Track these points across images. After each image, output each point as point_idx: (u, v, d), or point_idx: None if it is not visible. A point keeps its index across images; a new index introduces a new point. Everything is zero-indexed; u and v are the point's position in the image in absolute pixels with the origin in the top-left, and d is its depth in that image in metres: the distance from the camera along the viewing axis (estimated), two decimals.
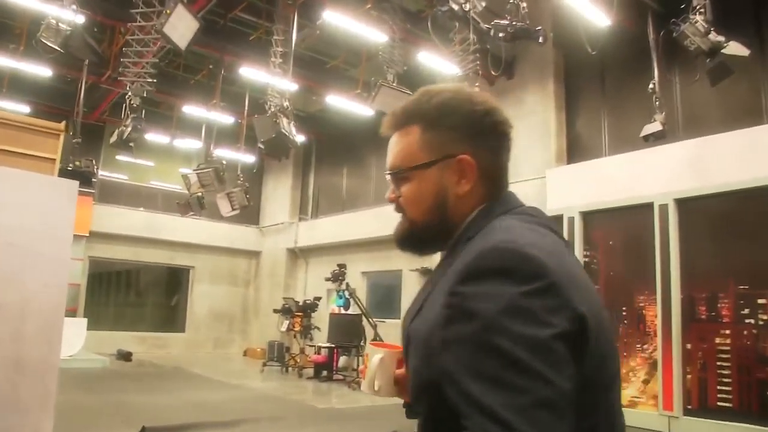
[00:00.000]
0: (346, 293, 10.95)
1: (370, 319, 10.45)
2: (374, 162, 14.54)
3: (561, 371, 0.83)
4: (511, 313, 0.85)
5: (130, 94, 7.28)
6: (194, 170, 9.75)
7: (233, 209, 10.51)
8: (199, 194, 11.37)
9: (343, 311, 13.53)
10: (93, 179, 14.01)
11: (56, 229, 5.04)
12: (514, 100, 10.78)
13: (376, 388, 1.13)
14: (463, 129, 1.08)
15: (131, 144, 7.55)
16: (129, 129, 7.27)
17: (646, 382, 7.60)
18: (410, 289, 12.61)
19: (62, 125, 5.57)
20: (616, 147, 9.33)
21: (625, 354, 7.70)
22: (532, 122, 10.33)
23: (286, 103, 6.99)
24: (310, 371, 11.68)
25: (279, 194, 16.72)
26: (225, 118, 12.93)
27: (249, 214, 16.57)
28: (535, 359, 0.82)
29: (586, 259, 8.25)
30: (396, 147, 1.15)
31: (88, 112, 13.28)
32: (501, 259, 0.90)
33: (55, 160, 5.34)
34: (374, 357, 1.15)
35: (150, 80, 7.30)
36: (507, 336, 0.83)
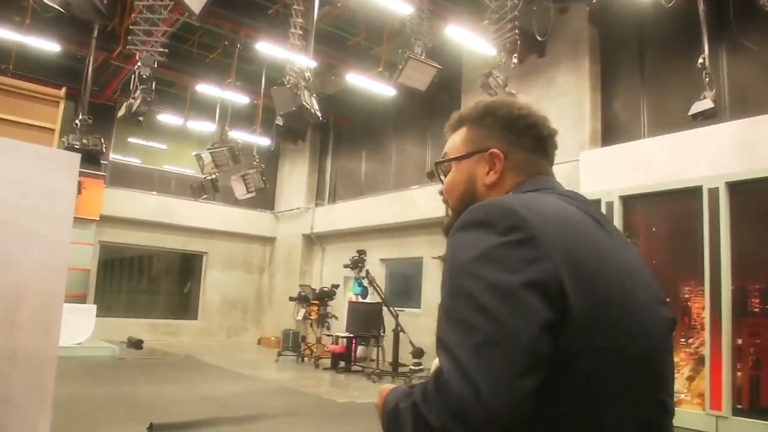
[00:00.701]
0: (365, 281, 10.47)
1: (390, 308, 9.96)
2: (394, 145, 14.01)
3: (523, 316, 0.86)
4: (484, 260, 0.92)
5: (139, 64, 6.77)
6: (208, 149, 9.25)
7: (248, 192, 10.03)
8: (213, 176, 10.90)
9: (360, 299, 13.10)
10: (102, 161, 13.63)
11: (55, 207, 4.57)
12: (545, 80, 10.20)
13: None
14: (499, 128, 1.20)
15: (140, 118, 7.05)
16: (138, 101, 6.74)
17: (690, 379, 7.05)
18: (431, 277, 12.11)
19: (62, 92, 5.09)
20: (656, 129, 8.81)
21: None
22: (564, 103, 9.77)
23: (307, 74, 6.44)
24: (327, 362, 11.24)
25: (295, 179, 16.22)
26: (240, 98, 12.44)
27: (264, 199, 16.14)
28: (496, 302, 0.87)
29: None
30: (447, 145, 1.30)
31: (99, 91, 12.86)
32: (484, 212, 0.99)
33: (54, 130, 4.86)
34: None
35: (161, 50, 6.79)
36: (475, 280, 0.90)
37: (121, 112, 7.07)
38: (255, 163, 10.15)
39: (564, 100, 9.79)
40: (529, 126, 1.21)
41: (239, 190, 10.10)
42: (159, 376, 8.93)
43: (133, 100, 6.80)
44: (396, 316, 9.74)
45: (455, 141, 1.26)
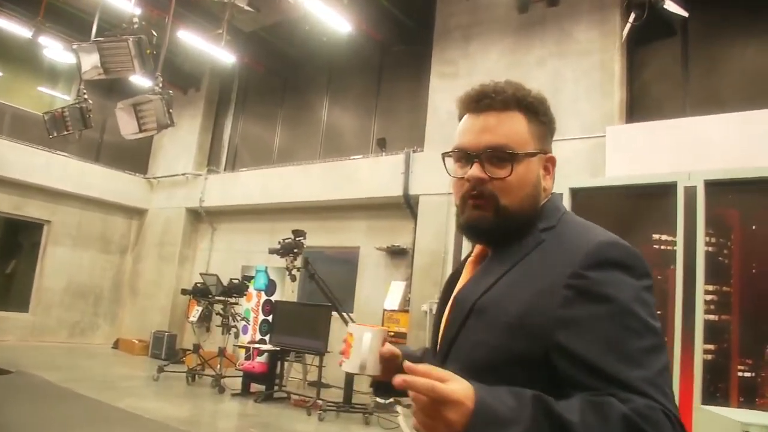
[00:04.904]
0: (305, 273, 7.55)
1: (343, 314, 7.10)
2: (326, 105, 11.06)
3: (665, 353, 0.97)
4: (640, 302, 0.96)
5: None
6: (100, 39, 5.75)
7: (143, 130, 6.66)
8: (83, 103, 7.35)
9: (264, 296, 10.10)
10: None
11: None
12: (557, 35, 8.03)
13: (363, 367, 1.13)
14: (550, 129, 1.16)
15: None
16: None
17: None
18: (370, 272, 9.43)
19: None
20: (704, 105, 7.01)
21: None
22: (586, 65, 7.67)
23: None
24: (233, 382, 8.06)
25: (181, 137, 12.44)
26: (130, 7, 8.82)
27: (134, 158, 12.47)
28: (656, 341, 0.95)
29: (710, 248, 5.61)
30: (500, 126, 1.10)
31: None
32: (623, 254, 1.00)
33: None
34: (365, 335, 1.14)
35: None
36: (639, 321, 0.94)
37: None
38: (159, 88, 6.79)
39: (585, 61, 7.69)
40: (554, 127, 1.19)
41: (128, 127, 6.68)
42: None
43: None
44: (348, 322, 6.93)
45: (518, 130, 1.10)
